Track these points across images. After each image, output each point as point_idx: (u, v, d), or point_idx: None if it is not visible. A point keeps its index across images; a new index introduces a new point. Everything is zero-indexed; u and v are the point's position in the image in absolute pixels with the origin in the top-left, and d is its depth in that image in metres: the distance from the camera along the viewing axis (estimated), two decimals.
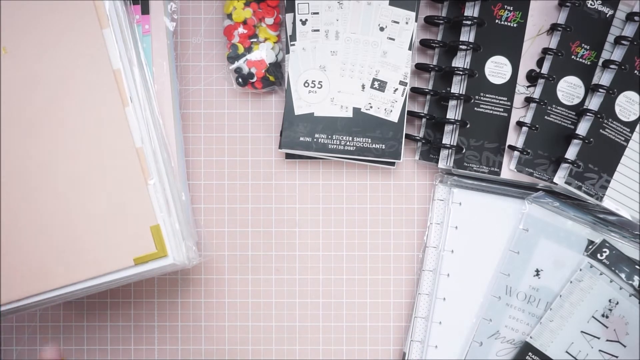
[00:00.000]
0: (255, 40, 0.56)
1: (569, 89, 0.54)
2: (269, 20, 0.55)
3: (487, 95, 0.55)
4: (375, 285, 0.58)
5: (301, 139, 0.55)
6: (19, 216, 0.49)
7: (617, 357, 0.53)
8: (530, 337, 0.54)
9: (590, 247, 0.54)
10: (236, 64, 0.56)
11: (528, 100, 0.55)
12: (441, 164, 0.56)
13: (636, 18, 0.53)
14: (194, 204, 0.58)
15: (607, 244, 0.53)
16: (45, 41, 0.49)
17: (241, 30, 0.55)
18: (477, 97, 0.54)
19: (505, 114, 0.55)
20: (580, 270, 0.53)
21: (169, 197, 0.50)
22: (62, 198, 0.49)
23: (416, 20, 0.55)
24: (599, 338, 0.53)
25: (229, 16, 0.56)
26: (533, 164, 0.54)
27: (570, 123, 0.54)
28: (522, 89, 0.55)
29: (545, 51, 0.54)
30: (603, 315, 0.53)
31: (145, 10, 0.53)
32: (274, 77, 0.56)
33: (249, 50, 0.56)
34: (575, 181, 0.53)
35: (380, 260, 0.58)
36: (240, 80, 0.56)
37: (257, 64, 0.56)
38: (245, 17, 0.55)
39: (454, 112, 0.55)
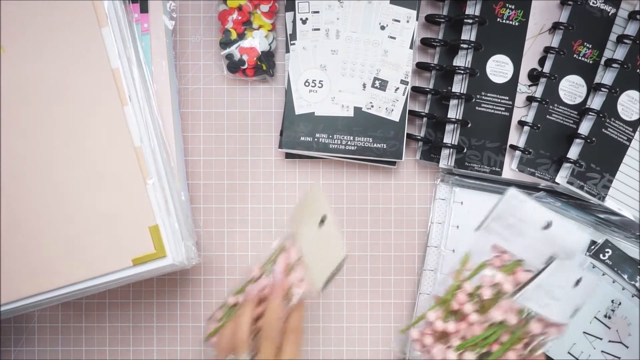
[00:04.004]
0: (249, 27, 0.56)
1: (571, 88, 0.54)
2: (265, 7, 0.55)
3: (488, 95, 0.54)
4: (375, 286, 0.58)
5: (302, 138, 0.55)
6: (18, 216, 0.48)
7: (619, 357, 0.53)
8: None
9: (592, 247, 0.53)
10: (228, 50, 0.55)
11: (530, 99, 0.54)
12: (442, 164, 0.55)
13: (638, 17, 0.52)
14: (194, 203, 0.58)
15: (610, 244, 0.53)
16: (44, 40, 0.48)
17: (236, 16, 0.55)
18: (478, 96, 0.54)
19: (507, 113, 0.54)
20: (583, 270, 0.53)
21: (168, 197, 0.50)
22: (61, 198, 0.48)
23: (417, 19, 0.54)
24: (601, 339, 0.53)
25: (224, 1, 0.55)
26: (535, 163, 0.54)
27: (572, 122, 0.54)
28: (523, 88, 0.55)
29: (547, 50, 0.54)
30: (606, 316, 0.53)
31: (144, 9, 0.53)
32: (266, 65, 0.55)
33: (241, 36, 0.55)
34: (577, 181, 0.52)
35: (380, 261, 0.58)
36: (230, 66, 0.55)
37: (249, 51, 0.55)
38: (240, 3, 0.55)
39: (455, 111, 0.55)
